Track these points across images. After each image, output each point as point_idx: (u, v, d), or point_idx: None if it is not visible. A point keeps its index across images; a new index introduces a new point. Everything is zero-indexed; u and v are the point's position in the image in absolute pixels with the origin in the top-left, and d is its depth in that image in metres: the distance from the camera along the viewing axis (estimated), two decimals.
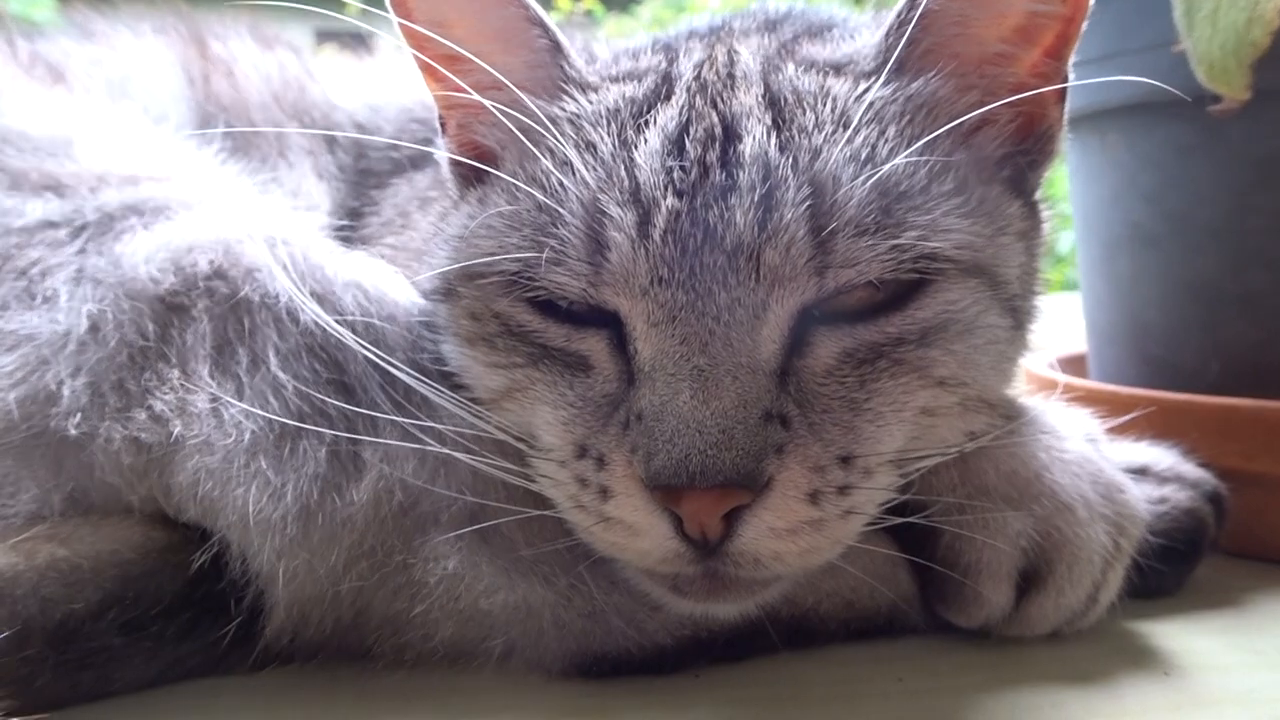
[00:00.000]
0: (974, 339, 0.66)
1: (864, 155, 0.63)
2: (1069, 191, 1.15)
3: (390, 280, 0.77)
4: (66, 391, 0.64)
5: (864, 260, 0.62)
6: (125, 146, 0.84)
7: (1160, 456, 0.84)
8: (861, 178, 0.62)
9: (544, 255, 0.64)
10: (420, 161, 1.14)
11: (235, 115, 1.08)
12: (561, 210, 0.65)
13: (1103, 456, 0.75)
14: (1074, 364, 1.20)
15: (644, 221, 0.62)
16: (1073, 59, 0.71)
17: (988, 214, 0.67)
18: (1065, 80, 0.72)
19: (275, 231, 0.75)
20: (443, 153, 0.80)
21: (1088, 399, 0.88)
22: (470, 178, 0.77)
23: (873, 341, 0.63)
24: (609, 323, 0.65)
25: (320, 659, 0.68)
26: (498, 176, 0.71)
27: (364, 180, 1.16)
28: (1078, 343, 1.23)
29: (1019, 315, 0.71)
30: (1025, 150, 0.73)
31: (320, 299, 0.71)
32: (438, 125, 0.80)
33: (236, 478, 0.64)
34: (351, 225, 1.07)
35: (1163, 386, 0.97)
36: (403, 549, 0.65)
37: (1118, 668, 0.70)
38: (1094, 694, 0.66)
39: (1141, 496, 0.74)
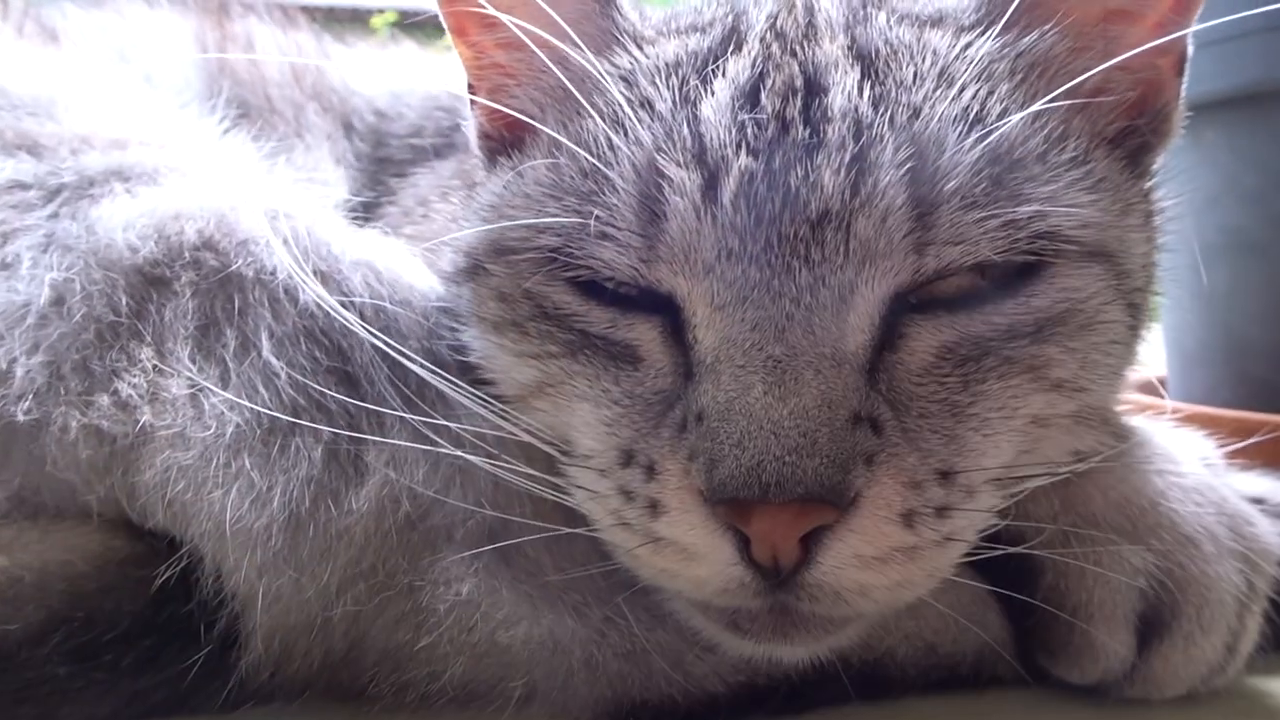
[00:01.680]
0: (1095, 336, 0.56)
1: (972, 115, 0.53)
2: None
3: (406, 262, 0.68)
4: (19, 370, 0.55)
5: (972, 238, 0.52)
6: (116, 110, 0.75)
7: (1276, 488, 0.73)
8: (970, 140, 0.52)
9: (590, 225, 0.55)
10: (444, 151, 1.07)
11: (251, 91, 1.01)
12: (610, 174, 0.55)
13: (1225, 484, 0.64)
14: (1146, 391, 1.09)
15: (710, 184, 0.52)
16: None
17: (1111, 191, 0.57)
18: (1185, 46, 0.63)
19: (277, 203, 0.66)
20: (470, 123, 0.72)
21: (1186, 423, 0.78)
22: (501, 150, 0.68)
23: (978, 335, 0.53)
24: (662, 308, 0.55)
25: (305, 699, 0.57)
26: (536, 140, 0.63)
27: (382, 169, 1.08)
28: (1149, 368, 1.12)
29: (1138, 315, 0.60)
30: (1139, 130, 0.63)
31: (324, 278, 0.62)
32: (466, 95, 0.71)
33: (214, 478, 0.54)
34: (366, 216, 0.98)
35: (1265, 410, 0.87)
36: (409, 569, 0.55)
37: None
38: None
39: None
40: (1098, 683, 0.60)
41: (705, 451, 0.49)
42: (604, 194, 0.55)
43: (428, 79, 1.15)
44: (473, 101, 0.71)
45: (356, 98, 1.11)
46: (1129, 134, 0.62)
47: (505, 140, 0.68)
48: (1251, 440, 0.71)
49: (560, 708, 0.56)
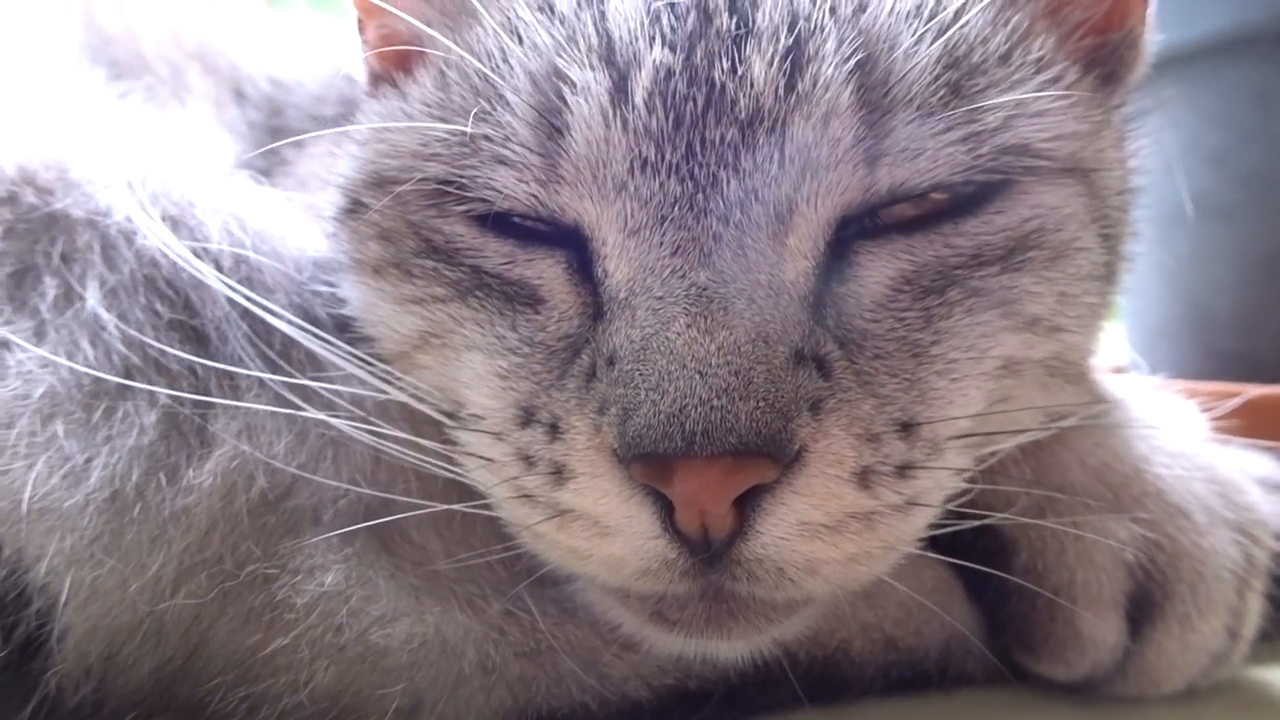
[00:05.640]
0: (1072, 264, 0.49)
1: (927, 10, 0.46)
2: None
3: (282, 214, 0.59)
4: None
5: (930, 150, 0.45)
6: None
7: (1259, 462, 0.67)
8: (928, 39, 0.45)
9: (480, 146, 0.46)
10: (348, 120, 0.98)
11: (121, 48, 0.90)
12: (504, 89, 0.48)
13: (1212, 450, 0.57)
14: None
15: (620, 85, 0.45)
16: None
17: (1084, 104, 0.50)
18: None
19: (125, 143, 0.57)
20: (363, 68, 0.64)
21: None
22: (389, 80, 0.60)
23: (940, 262, 0.46)
24: (567, 242, 0.47)
25: None
26: (424, 64, 0.55)
27: (277, 138, 0.98)
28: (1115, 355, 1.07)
29: (1114, 251, 0.53)
30: (1108, 53, 0.57)
31: (175, 223, 0.53)
32: (357, 34, 0.64)
33: (15, 447, 0.44)
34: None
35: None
36: (262, 555, 0.46)
37: None
38: None
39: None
40: (1086, 679, 0.52)
41: (618, 400, 0.41)
42: (496, 111, 0.47)
43: (332, 48, 1.06)
44: (363, 34, 0.63)
45: (250, 64, 1.02)
46: (1099, 53, 0.56)
47: (393, 79, 0.60)
48: (1233, 404, 0.64)
49: None
